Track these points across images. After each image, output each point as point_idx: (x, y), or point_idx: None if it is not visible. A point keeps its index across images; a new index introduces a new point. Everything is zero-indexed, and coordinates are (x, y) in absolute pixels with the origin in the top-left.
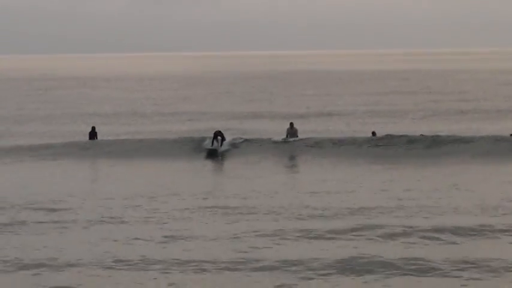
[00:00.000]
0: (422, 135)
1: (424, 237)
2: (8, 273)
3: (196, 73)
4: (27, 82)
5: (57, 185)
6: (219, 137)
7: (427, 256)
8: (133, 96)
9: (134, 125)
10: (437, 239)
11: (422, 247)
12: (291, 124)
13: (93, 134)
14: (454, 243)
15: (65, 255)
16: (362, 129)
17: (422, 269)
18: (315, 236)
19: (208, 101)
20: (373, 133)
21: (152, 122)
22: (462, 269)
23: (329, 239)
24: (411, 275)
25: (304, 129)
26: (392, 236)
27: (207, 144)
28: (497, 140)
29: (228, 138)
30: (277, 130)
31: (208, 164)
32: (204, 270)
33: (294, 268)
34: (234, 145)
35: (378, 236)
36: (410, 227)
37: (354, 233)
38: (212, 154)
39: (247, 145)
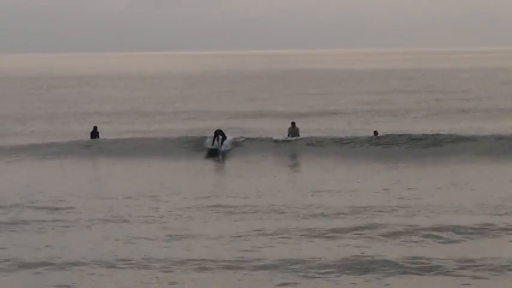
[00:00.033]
0: (425, 134)
1: (425, 236)
2: (10, 272)
3: (196, 72)
4: (28, 81)
5: (59, 184)
6: (219, 136)
7: (428, 255)
8: (135, 95)
9: (136, 124)
10: (439, 238)
11: (423, 246)
12: (293, 123)
13: (94, 134)
14: (455, 242)
15: (67, 254)
16: (364, 128)
17: (424, 268)
18: (317, 235)
19: (209, 100)
20: (375, 133)
21: (154, 121)
22: (464, 268)
23: (331, 238)
24: (413, 273)
25: (306, 128)
26: (394, 235)
27: (208, 143)
28: (499, 138)
29: (230, 137)
30: (279, 129)
31: (210, 163)
32: (206, 269)
33: (295, 267)
34: (235, 144)
35: (379, 235)
36: (412, 226)
37: (355, 232)
38: (213, 153)
39: (248, 144)
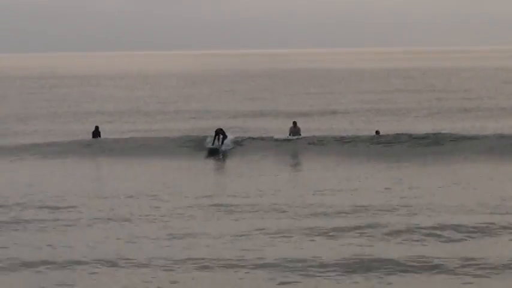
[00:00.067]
0: (426, 133)
1: (427, 235)
2: (12, 272)
3: (197, 71)
4: (29, 81)
5: (61, 183)
6: (220, 136)
7: (430, 254)
8: (136, 94)
9: (137, 123)
10: (440, 236)
11: (425, 245)
12: (294, 123)
13: (96, 134)
14: (457, 241)
15: (68, 253)
16: (366, 128)
17: (425, 266)
18: (318, 234)
19: (210, 100)
20: (377, 132)
21: (155, 120)
22: (465, 267)
23: (332, 237)
24: (414, 272)
25: (308, 128)
26: (395, 234)
27: (208, 143)
28: (500, 137)
29: (231, 136)
30: (280, 128)
31: (211, 163)
32: (207, 268)
33: (296, 266)
34: (237, 143)
35: (380, 234)
36: (414, 225)
37: (356, 231)
38: (213, 153)
39: (249, 143)
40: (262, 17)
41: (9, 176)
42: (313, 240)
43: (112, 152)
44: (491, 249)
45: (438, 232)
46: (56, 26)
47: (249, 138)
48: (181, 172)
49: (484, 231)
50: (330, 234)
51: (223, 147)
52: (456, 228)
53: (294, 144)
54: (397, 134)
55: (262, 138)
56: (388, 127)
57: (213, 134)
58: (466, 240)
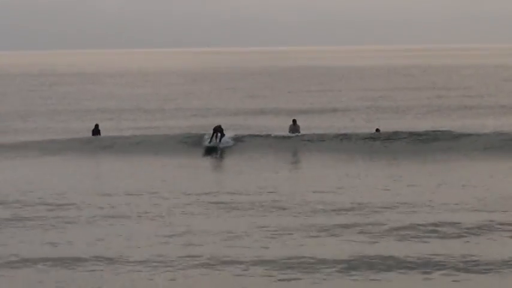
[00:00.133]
0: (426, 131)
1: (427, 233)
2: (12, 269)
3: (196, 69)
4: (29, 78)
5: (60, 180)
6: (218, 134)
7: (430, 251)
8: (136, 92)
9: (137, 120)
10: (441, 234)
11: (425, 242)
12: (294, 121)
13: (96, 132)
14: (457, 238)
15: (68, 251)
16: (366, 125)
17: (425, 264)
18: (318, 231)
19: (211, 97)
20: (377, 130)
21: (155, 118)
22: (465, 264)
23: (331, 234)
24: (414, 269)
25: (308, 125)
26: (395, 232)
27: (206, 140)
28: (500, 135)
29: (231, 133)
30: (280, 126)
31: (211, 160)
32: (207, 265)
33: (296, 263)
34: (237, 139)
35: (380, 232)
36: (413, 223)
37: (356, 229)
38: (211, 151)
39: (249, 141)
40: (262, 14)
41: (9, 173)
42: (312, 237)
43: (112, 150)
44: (490, 246)
45: (438, 229)
46: (56, 24)
47: (249, 135)
48: (181, 169)
49: (483, 228)
50: (330, 231)
51: (221, 145)
52: (456, 225)
53: (294, 141)
54: (397, 131)
55: (262, 136)
56: (388, 124)
57: (211, 131)
58: (466, 237)
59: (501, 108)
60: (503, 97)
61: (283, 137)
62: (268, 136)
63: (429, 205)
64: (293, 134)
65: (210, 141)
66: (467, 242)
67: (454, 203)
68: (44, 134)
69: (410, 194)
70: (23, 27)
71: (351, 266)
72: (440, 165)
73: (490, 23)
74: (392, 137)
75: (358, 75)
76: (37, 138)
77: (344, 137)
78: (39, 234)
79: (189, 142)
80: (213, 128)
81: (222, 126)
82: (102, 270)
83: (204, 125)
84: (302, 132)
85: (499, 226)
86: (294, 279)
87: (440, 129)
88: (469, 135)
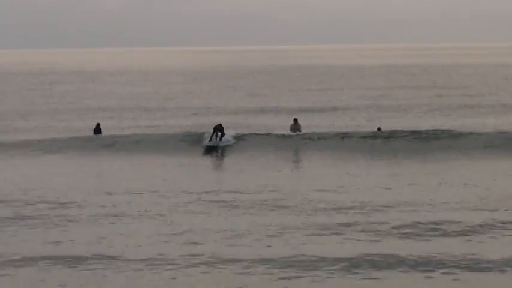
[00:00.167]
0: (427, 130)
1: (428, 231)
2: (13, 268)
3: (197, 68)
4: (30, 77)
5: (61, 179)
6: (218, 132)
7: (431, 250)
8: (136, 90)
9: (138, 119)
10: (442, 233)
11: (426, 241)
12: (295, 120)
13: (97, 131)
14: (458, 237)
15: (69, 249)
16: (367, 124)
17: (427, 262)
18: (319, 230)
19: (211, 96)
20: (379, 129)
21: (155, 116)
22: (467, 264)
23: (333, 233)
24: (415, 268)
25: (309, 124)
26: (396, 231)
27: (206, 138)
28: (501, 134)
29: (232, 132)
30: (281, 125)
31: (211, 159)
32: (208, 263)
33: (297, 262)
34: (237, 138)
35: (381, 230)
36: (414, 222)
37: (357, 227)
38: (211, 149)
39: (250, 139)
40: (262, 13)
41: (10, 172)
42: (313, 235)
43: (113, 148)
44: (492, 245)
45: (439, 228)
46: (56, 22)
47: (250, 134)
48: (182, 168)
49: (484, 227)
50: (331, 230)
51: (221, 144)
52: (457, 224)
53: (295, 140)
54: (398, 130)
55: (262, 134)
56: (389, 123)
57: (212, 130)
58: (467, 235)
59: (501, 107)
60: (504, 96)
61: (284, 136)
62: (268, 135)
63: (430, 204)
64: (294, 133)
65: (210, 140)
66: (469, 240)
67: (455, 202)
68: (44, 133)
69: (411, 192)
70: (23, 26)
71: (352, 264)
72: (441, 164)
73: (490, 22)
74: (393, 135)
75: (358, 74)
76: (38, 137)
77: (345, 136)
78: (40, 232)
79: (190, 141)
80: (213, 127)
81: (223, 125)
82: (103, 268)
83: (205, 123)
84: (303, 131)
85: (500, 225)
86: (295, 277)
87: (441, 128)
88: (470, 134)
